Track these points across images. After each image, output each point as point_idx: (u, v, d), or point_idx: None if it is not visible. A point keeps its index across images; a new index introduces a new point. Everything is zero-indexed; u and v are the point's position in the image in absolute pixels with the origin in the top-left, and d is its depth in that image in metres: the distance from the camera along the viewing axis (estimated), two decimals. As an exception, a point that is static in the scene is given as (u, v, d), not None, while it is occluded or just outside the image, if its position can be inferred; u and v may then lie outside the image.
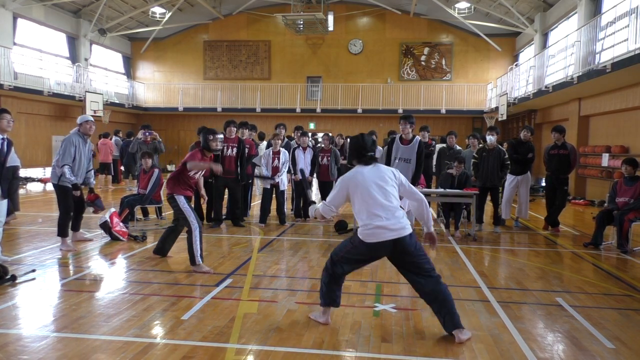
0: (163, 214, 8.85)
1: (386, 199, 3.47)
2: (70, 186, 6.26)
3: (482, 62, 22.35)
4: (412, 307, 4.28)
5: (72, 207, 6.44)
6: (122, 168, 14.93)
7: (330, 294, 3.77)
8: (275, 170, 8.50)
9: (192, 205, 5.66)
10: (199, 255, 5.38)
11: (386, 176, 3.55)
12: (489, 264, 6.16)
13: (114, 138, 16.23)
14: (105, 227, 7.02)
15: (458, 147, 9.66)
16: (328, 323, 3.82)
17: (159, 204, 8.43)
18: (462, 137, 14.70)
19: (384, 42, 22.77)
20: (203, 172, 5.77)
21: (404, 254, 3.51)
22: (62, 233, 6.34)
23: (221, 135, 6.04)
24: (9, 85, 15.07)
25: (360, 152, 3.61)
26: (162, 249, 6.04)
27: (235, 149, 8.21)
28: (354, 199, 3.54)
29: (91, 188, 6.66)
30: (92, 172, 6.67)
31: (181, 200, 5.47)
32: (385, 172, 3.58)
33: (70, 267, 5.66)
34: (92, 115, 18.33)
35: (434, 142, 10.46)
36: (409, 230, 3.48)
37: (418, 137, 6.94)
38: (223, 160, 8.11)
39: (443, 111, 21.35)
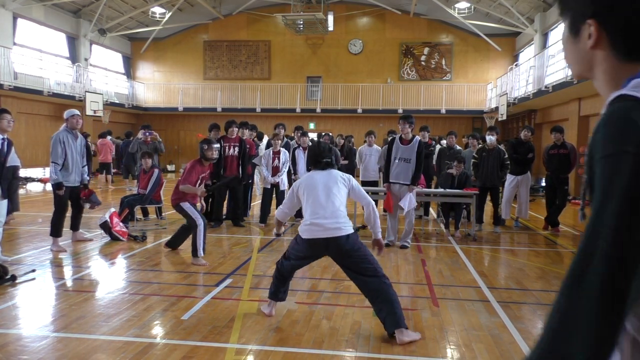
0: (163, 213, 8.85)
1: (328, 200, 3.68)
2: (66, 186, 6.25)
3: (482, 62, 22.36)
4: (412, 307, 4.28)
5: (66, 206, 6.42)
6: (115, 170, 14.93)
7: (275, 288, 4.01)
8: (276, 170, 8.50)
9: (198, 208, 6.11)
10: (201, 248, 5.79)
11: (337, 180, 3.77)
12: (489, 264, 6.16)
13: (108, 138, 16.21)
14: (105, 227, 7.02)
15: (458, 147, 9.66)
16: (271, 315, 3.97)
17: (158, 204, 8.43)
18: (461, 137, 14.70)
19: (383, 42, 22.77)
20: (201, 187, 6.15)
21: (340, 254, 3.65)
22: (54, 232, 6.31)
23: (217, 145, 6.32)
24: (9, 85, 15.08)
25: (316, 158, 3.87)
26: (173, 243, 6.47)
27: (237, 149, 8.23)
28: (302, 200, 3.80)
29: (85, 184, 6.62)
30: (86, 168, 6.62)
31: (185, 205, 5.90)
32: (337, 177, 3.80)
33: (70, 267, 5.66)
34: (92, 116, 18.49)
35: (433, 142, 10.47)
36: (346, 231, 3.61)
37: (418, 137, 6.95)
38: (225, 160, 8.12)
39: (443, 111, 21.36)
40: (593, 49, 0.97)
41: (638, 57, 0.93)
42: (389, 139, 7.88)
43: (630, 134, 0.83)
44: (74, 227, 6.77)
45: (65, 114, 6.42)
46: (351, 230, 3.65)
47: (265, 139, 11.72)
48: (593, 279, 0.79)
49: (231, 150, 8.20)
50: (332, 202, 3.67)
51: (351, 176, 3.93)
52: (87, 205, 6.68)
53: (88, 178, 6.77)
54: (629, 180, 0.80)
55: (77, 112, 6.49)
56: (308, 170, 9.10)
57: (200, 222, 5.83)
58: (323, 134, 10.57)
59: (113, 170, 16.10)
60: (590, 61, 1.00)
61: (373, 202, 3.93)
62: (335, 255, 3.71)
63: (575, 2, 0.98)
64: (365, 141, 9.57)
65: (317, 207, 3.66)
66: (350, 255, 3.62)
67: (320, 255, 3.82)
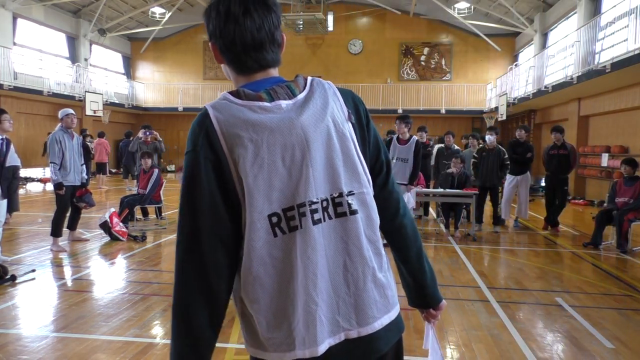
0: (163, 213, 8.85)
1: None
2: (66, 185, 6.25)
3: (482, 62, 22.35)
4: (411, 307, 4.28)
5: (68, 206, 6.43)
6: (115, 170, 14.88)
7: None
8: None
9: None
10: None
11: None
12: (489, 264, 6.17)
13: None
14: (105, 227, 7.02)
15: (456, 147, 9.66)
16: None
17: (158, 204, 8.43)
18: (461, 137, 14.71)
19: (383, 42, 22.77)
20: None
21: None
22: (54, 232, 6.31)
23: None
24: (9, 85, 15.07)
25: None
26: None
27: None
28: None
29: (83, 184, 6.62)
30: (84, 167, 6.63)
31: None
32: None
33: (70, 267, 5.66)
34: (92, 115, 18.48)
35: (431, 142, 10.46)
36: None
37: (415, 137, 6.97)
38: None
39: (443, 111, 21.36)
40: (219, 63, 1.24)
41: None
42: (387, 139, 7.89)
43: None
44: (72, 226, 6.77)
45: (60, 114, 6.43)
46: None
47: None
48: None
49: None
50: None
51: None
52: (81, 205, 6.67)
53: (87, 177, 6.78)
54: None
55: (71, 111, 6.49)
56: None
57: None
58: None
59: (113, 170, 16.09)
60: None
61: None
62: None
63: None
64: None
65: None
66: None
67: None
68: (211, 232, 1.07)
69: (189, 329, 1.10)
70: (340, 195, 1.13)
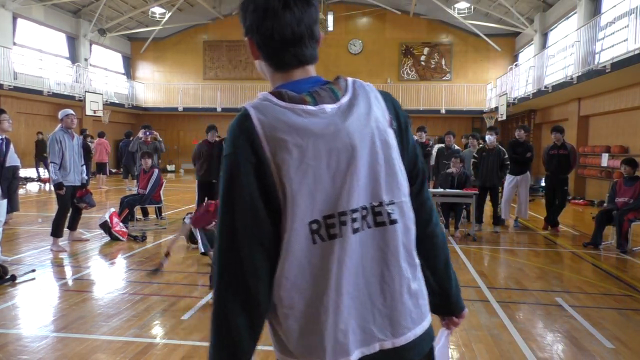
0: (163, 213, 8.85)
1: None
2: (66, 185, 6.25)
3: (482, 62, 22.36)
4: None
5: (69, 205, 6.43)
6: (115, 170, 14.87)
7: None
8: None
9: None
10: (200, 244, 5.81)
11: None
12: (489, 264, 6.17)
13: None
14: (105, 227, 7.02)
15: (456, 147, 9.66)
16: None
17: (158, 204, 8.43)
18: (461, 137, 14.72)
19: (383, 42, 22.77)
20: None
21: None
22: (55, 232, 6.30)
23: None
24: (9, 85, 15.06)
25: None
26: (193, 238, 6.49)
27: None
28: None
29: (83, 184, 6.62)
30: (84, 167, 6.63)
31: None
32: None
33: (70, 267, 5.66)
34: (92, 116, 18.48)
35: (431, 142, 10.46)
36: None
37: (414, 137, 6.97)
38: None
39: (443, 111, 21.36)
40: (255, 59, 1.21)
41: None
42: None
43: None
44: (72, 227, 6.77)
45: (60, 114, 6.43)
46: None
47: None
48: None
49: None
50: None
51: None
52: (81, 205, 6.67)
53: (87, 177, 6.78)
54: None
55: (71, 111, 6.50)
56: None
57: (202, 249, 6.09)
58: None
59: (113, 170, 16.08)
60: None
61: None
62: None
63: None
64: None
65: None
66: None
67: None
68: (251, 234, 1.06)
69: (227, 332, 1.11)
70: (380, 204, 1.12)
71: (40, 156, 15.47)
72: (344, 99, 1.14)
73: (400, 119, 1.21)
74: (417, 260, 1.19)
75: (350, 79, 1.21)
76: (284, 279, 1.08)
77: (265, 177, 1.06)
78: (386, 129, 1.15)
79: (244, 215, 1.06)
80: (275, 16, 1.11)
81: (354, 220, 1.08)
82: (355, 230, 1.08)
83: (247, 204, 1.06)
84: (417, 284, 1.18)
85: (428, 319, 1.22)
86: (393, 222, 1.12)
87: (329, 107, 1.10)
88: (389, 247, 1.12)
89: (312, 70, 1.21)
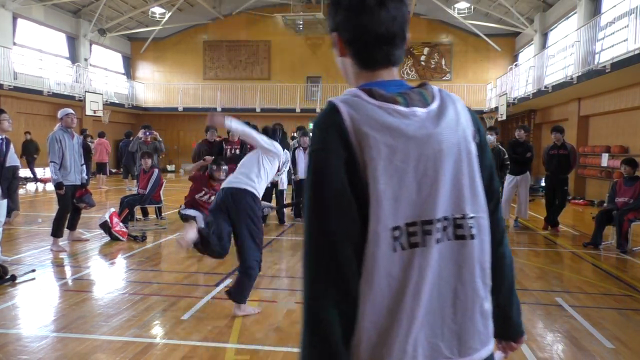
0: (163, 214, 8.85)
1: (250, 168, 4.12)
2: (66, 185, 6.25)
3: (482, 62, 22.36)
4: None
5: (69, 206, 6.43)
6: (115, 170, 14.83)
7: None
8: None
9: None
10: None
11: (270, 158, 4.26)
12: (489, 264, 6.16)
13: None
14: (105, 227, 7.02)
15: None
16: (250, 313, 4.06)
17: (158, 204, 8.42)
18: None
19: (383, 42, 22.74)
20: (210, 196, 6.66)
21: (236, 207, 3.91)
22: (55, 233, 6.29)
23: (225, 167, 6.57)
24: (9, 85, 15.07)
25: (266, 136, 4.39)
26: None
27: (238, 151, 8.29)
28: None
29: (83, 184, 6.62)
30: (84, 167, 6.63)
31: (185, 210, 6.57)
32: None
33: (70, 267, 5.67)
34: (92, 115, 18.48)
35: None
36: (246, 188, 3.96)
37: None
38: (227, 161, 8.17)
39: (443, 111, 21.34)
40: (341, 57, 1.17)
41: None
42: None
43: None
44: (72, 226, 6.76)
45: (60, 113, 6.42)
46: (254, 191, 3.98)
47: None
48: None
49: (233, 152, 8.27)
50: (251, 170, 4.11)
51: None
52: (81, 205, 6.67)
53: (87, 177, 6.77)
54: None
55: (71, 110, 6.50)
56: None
57: (197, 213, 6.32)
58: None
59: (113, 170, 16.07)
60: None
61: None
62: (233, 207, 3.91)
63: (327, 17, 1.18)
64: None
65: (242, 168, 4.16)
66: (242, 209, 3.90)
67: (228, 206, 3.96)
68: (347, 237, 1.01)
69: (327, 346, 1.01)
70: (463, 217, 1.08)
71: (29, 157, 15.34)
72: (434, 105, 1.10)
73: (481, 135, 1.17)
74: (490, 281, 1.15)
75: (435, 87, 1.16)
76: (362, 289, 1.03)
77: (355, 174, 1.01)
78: (470, 141, 1.11)
79: (339, 216, 1.01)
80: (370, 12, 1.09)
81: (436, 230, 1.05)
82: (437, 241, 1.05)
83: (342, 203, 1.01)
84: (488, 304, 1.14)
85: (492, 342, 1.18)
86: (472, 236, 1.09)
87: (419, 111, 1.07)
88: (466, 263, 1.09)
89: (396, 73, 1.17)
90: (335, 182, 1.00)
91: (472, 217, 1.09)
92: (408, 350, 1.03)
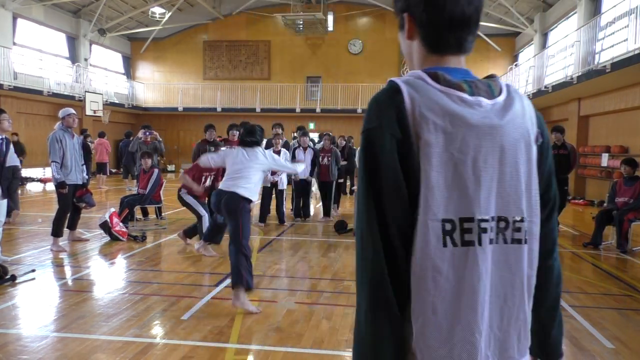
0: (163, 213, 8.85)
1: (240, 167, 4.47)
2: (68, 184, 6.26)
3: (482, 62, 22.34)
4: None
5: (70, 205, 6.43)
6: (115, 170, 14.79)
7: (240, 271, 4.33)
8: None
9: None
10: (206, 237, 6.24)
11: (256, 157, 4.55)
12: (489, 264, 6.16)
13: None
14: (105, 227, 7.02)
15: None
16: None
17: (158, 204, 8.43)
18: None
19: (383, 42, 22.77)
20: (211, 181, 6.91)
21: (227, 207, 4.32)
22: (55, 232, 6.29)
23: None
24: (9, 85, 15.07)
25: (244, 136, 4.66)
26: (190, 232, 6.78)
27: None
28: (227, 164, 4.63)
29: (84, 184, 6.63)
30: (85, 166, 6.63)
31: (188, 197, 6.61)
32: (256, 154, 4.57)
33: (70, 267, 5.66)
34: (92, 115, 18.48)
35: None
36: (238, 191, 4.33)
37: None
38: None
39: (443, 111, 21.35)
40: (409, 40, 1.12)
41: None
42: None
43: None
44: (72, 226, 6.76)
45: (61, 113, 6.42)
46: (245, 194, 4.35)
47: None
48: None
49: None
50: (240, 170, 4.46)
51: (270, 153, 4.85)
52: (81, 205, 6.67)
53: (87, 177, 6.77)
54: None
55: (72, 111, 6.50)
56: (312, 173, 9.14)
57: (203, 212, 6.48)
58: (324, 134, 10.59)
59: (113, 170, 16.06)
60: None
61: (296, 170, 5.46)
62: (224, 208, 4.34)
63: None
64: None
65: (231, 172, 4.52)
66: (230, 209, 4.28)
67: (221, 206, 4.40)
68: (399, 227, 0.96)
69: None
70: (522, 220, 1.02)
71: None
72: (500, 98, 1.04)
73: (544, 137, 1.11)
74: (533, 290, 1.08)
75: (504, 81, 1.10)
76: (413, 284, 0.97)
77: (408, 157, 0.96)
78: (532, 143, 1.05)
79: (392, 203, 0.96)
80: None
81: (491, 229, 0.99)
82: (490, 242, 0.99)
83: (395, 188, 0.96)
84: (529, 314, 1.07)
85: (528, 354, 1.12)
86: (525, 241, 1.03)
87: (485, 101, 1.01)
88: (517, 267, 1.02)
89: (464, 62, 1.09)
90: (388, 161, 0.96)
91: (526, 221, 1.03)
92: (453, 354, 0.98)
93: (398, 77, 1.06)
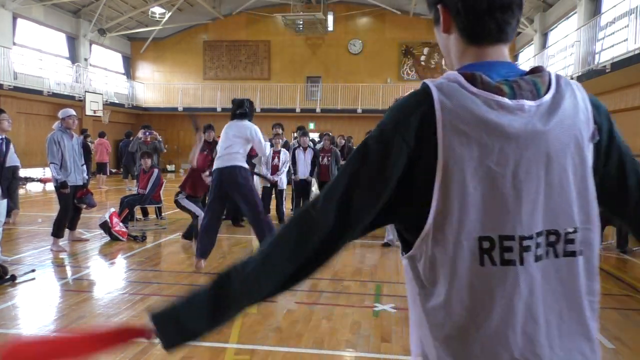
0: (163, 213, 8.85)
1: (228, 142, 4.91)
2: (69, 184, 6.25)
3: (482, 62, 22.36)
4: None
5: (71, 206, 6.43)
6: (115, 170, 14.82)
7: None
8: (275, 168, 8.51)
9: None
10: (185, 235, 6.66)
11: (242, 131, 4.90)
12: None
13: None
14: (105, 227, 7.01)
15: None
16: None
17: (158, 204, 8.42)
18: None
19: (383, 42, 22.78)
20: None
21: (230, 183, 4.65)
22: (56, 233, 6.28)
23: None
24: (9, 85, 15.07)
25: (234, 109, 4.92)
26: (188, 234, 6.96)
27: None
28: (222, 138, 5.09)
29: (84, 184, 6.62)
30: (85, 167, 6.63)
31: (184, 200, 6.73)
32: (243, 128, 4.92)
33: (70, 267, 5.67)
34: (92, 115, 18.49)
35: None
36: (236, 164, 4.75)
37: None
38: None
39: (443, 111, 21.35)
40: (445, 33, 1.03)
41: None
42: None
43: None
44: (72, 226, 6.76)
45: (61, 114, 6.39)
46: (241, 166, 4.77)
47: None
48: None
49: None
50: (229, 145, 4.85)
51: (257, 129, 5.10)
52: (82, 206, 6.67)
53: (87, 177, 6.77)
54: None
55: (73, 112, 6.49)
56: (312, 173, 9.15)
57: (199, 212, 6.48)
58: (324, 134, 10.60)
59: (113, 170, 16.07)
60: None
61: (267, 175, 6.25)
62: (227, 184, 4.68)
63: None
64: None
65: (222, 147, 4.94)
66: (237, 184, 4.63)
67: (223, 185, 4.83)
68: (357, 217, 0.93)
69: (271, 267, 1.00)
70: (575, 231, 0.92)
71: None
72: (547, 96, 0.92)
73: (604, 133, 1.01)
74: (598, 305, 0.97)
75: (554, 73, 0.98)
76: (443, 307, 0.90)
77: (412, 169, 0.90)
78: (586, 141, 0.94)
79: (364, 202, 0.92)
80: None
81: (537, 245, 0.90)
82: (537, 258, 0.90)
83: (378, 185, 0.91)
84: (594, 328, 0.96)
85: None
86: (580, 252, 0.94)
87: (528, 104, 0.90)
88: (575, 281, 0.93)
89: (506, 53, 1.00)
90: (387, 166, 0.90)
91: (580, 231, 0.94)
92: None
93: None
